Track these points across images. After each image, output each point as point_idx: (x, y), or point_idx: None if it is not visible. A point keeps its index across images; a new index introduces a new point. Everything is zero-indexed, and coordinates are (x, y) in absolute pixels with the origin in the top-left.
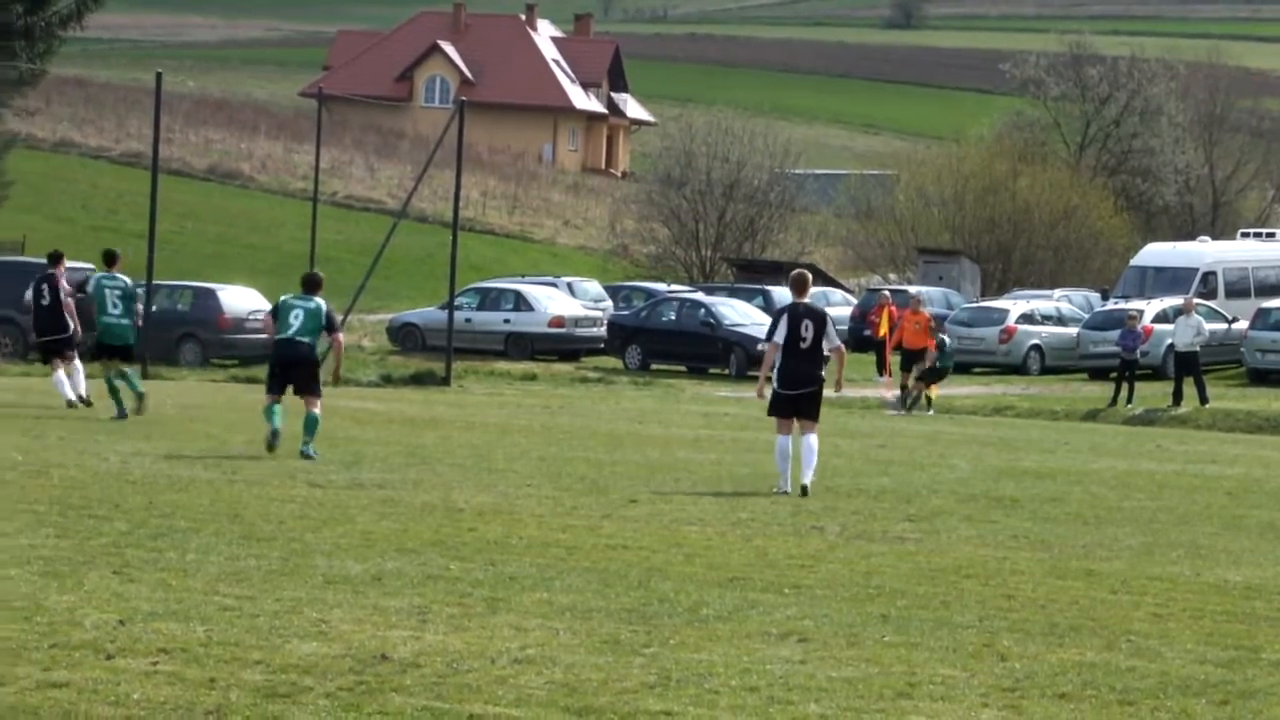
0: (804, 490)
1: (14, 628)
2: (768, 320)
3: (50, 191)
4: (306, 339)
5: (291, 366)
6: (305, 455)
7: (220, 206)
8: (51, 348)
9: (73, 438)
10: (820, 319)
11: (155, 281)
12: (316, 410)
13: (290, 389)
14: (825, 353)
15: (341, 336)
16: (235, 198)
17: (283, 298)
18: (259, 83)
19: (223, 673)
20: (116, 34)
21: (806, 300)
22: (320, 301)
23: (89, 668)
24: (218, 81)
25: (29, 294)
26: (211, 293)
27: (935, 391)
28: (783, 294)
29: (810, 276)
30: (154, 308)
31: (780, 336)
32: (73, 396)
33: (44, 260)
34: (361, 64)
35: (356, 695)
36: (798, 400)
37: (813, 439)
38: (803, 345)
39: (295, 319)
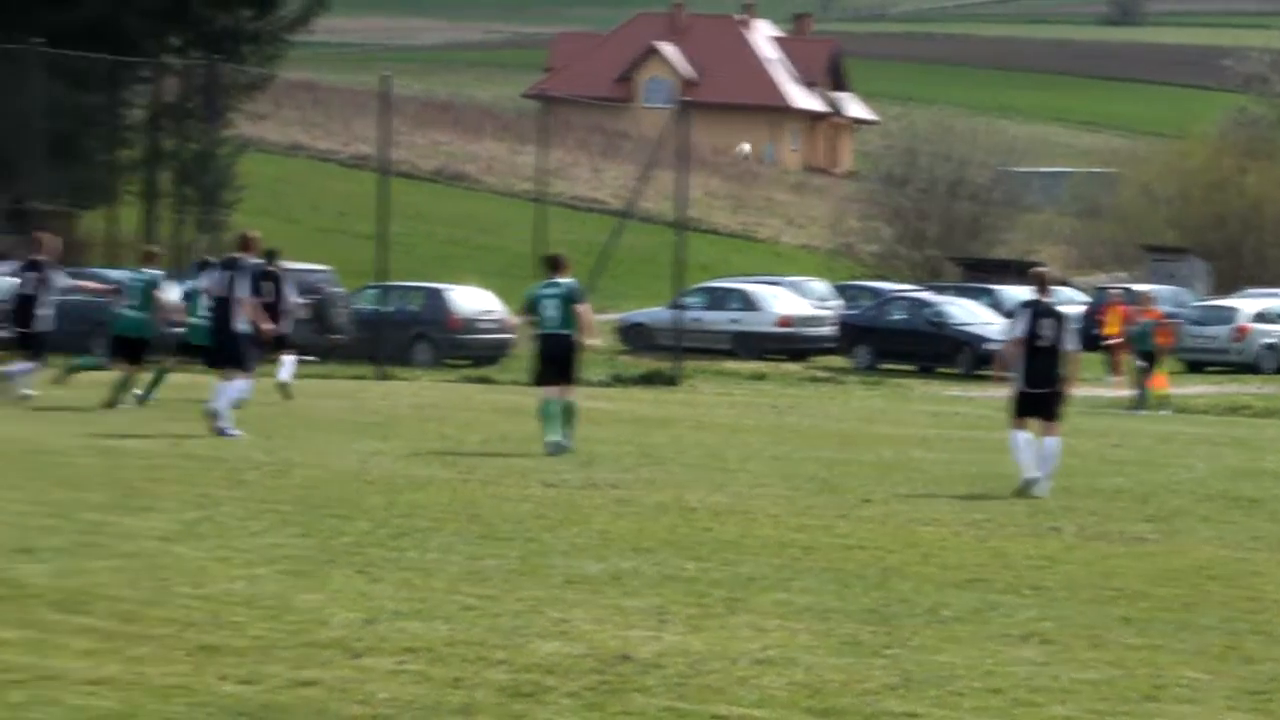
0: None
1: (264, 626)
2: (996, 319)
3: (281, 194)
4: (567, 331)
5: (555, 359)
6: (561, 447)
7: (447, 208)
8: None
9: (307, 437)
10: (1060, 318)
11: (387, 283)
12: (573, 398)
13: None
14: (1065, 352)
15: (585, 307)
16: (462, 199)
17: (532, 290)
18: (482, 85)
19: (468, 672)
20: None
21: (1047, 299)
22: (566, 282)
23: (337, 666)
24: (442, 84)
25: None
26: (441, 293)
27: (1165, 388)
28: (1010, 293)
29: (1050, 274)
30: (390, 309)
31: (1020, 333)
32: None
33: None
34: (582, 65)
35: (599, 695)
36: (1039, 399)
37: (1054, 441)
38: (1041, 344)
39: (552, 311)
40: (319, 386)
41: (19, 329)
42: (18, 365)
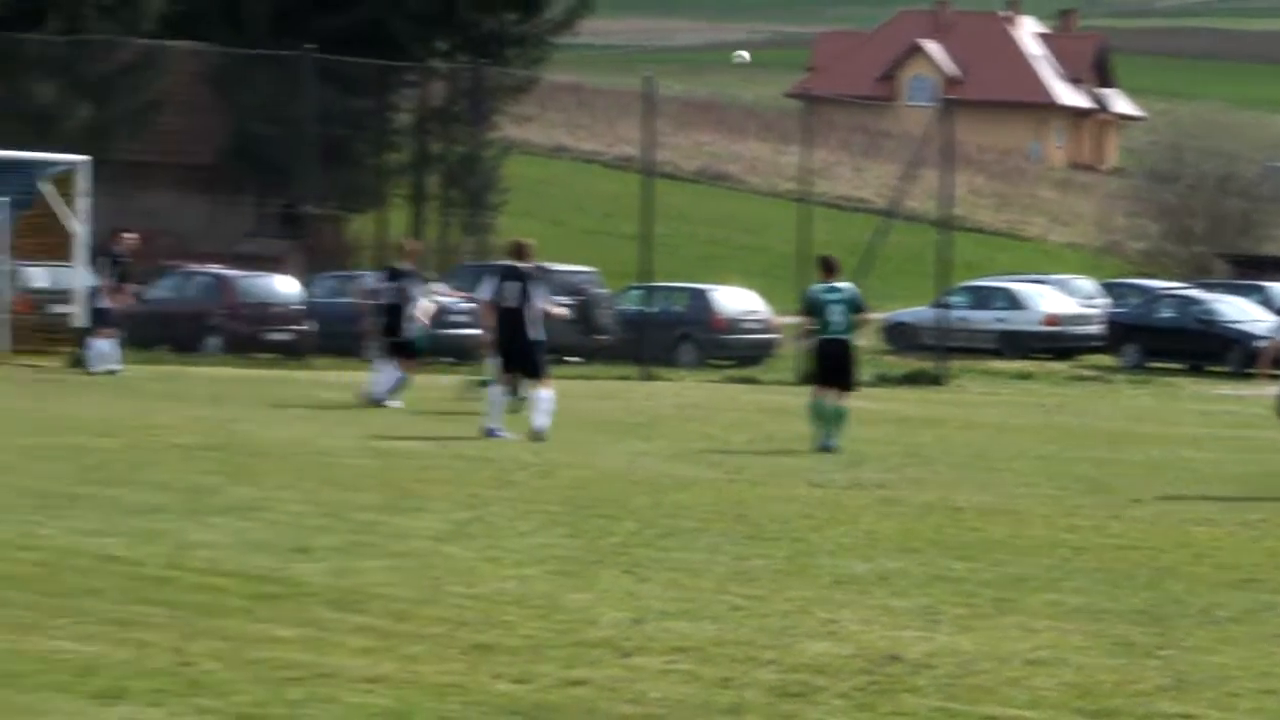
0: None
1: (534, 626)
2: (1266, 317)
3: (546, 196)
4: (848, 335)
5: (835, 363)
6: (827, 449)
7: (710, 208)
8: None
9: (574, 438)
10: None
11: (651, 283)
12: (845, 404)
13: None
14: None
15: (867, 313)
16: (724, 199)
17: (814, 292)
18: (744, 85)
19: (736, 671)
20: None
21: None
22: (847, 286)
23: (607, 666)
24: (704, 84)
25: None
26: (705, 294)
27: None
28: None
29: None
30: (654, 310)
31: None
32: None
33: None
34: (844, 64)
35: (869, 695)
36: None
37: None
38: None
39: (838, 315)
40: (584, 387)
41: (388, 338)
42: (384, 375)
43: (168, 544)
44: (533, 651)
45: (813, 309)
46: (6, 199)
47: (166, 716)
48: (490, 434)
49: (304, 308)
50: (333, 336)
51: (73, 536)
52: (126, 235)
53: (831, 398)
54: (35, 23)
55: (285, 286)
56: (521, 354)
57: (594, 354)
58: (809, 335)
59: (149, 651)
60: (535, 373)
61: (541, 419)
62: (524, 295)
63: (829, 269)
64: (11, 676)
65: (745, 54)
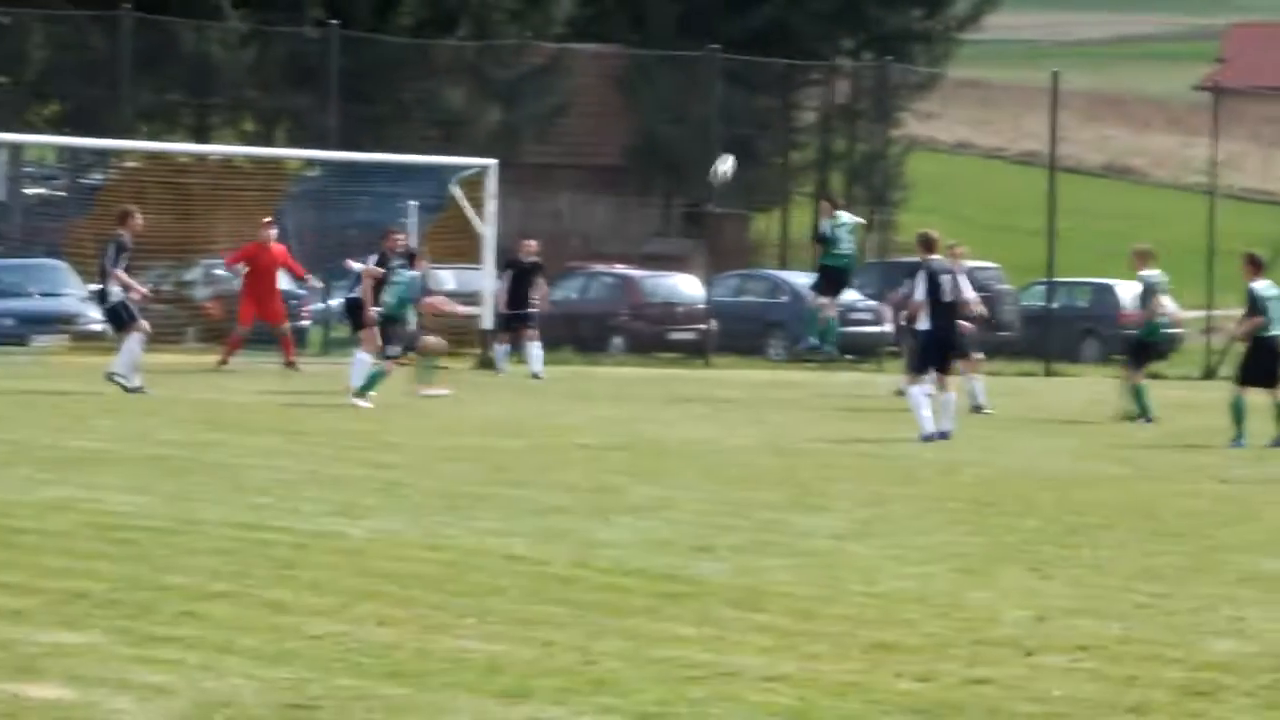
0: None
1: (936, 624)
2: None
3: (949, 193)
4: None
5: (1269, 360)
6: (1239, 446)
7: (1114, 202)
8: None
9: (977, 435)
10: None
11: (1054, 279)
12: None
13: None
14: None
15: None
16: (1129, 193)
17: (1261, 290)
18: (1151, 77)
19: (1142, 670)
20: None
21: None
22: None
23: (1009, 664)
24: (1109, 78)
25: None
26: (1110, 289)
27: None
28: None
29: None
30: (1054, 304)
31: None
32: None
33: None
34: (1256, 55)
35: (1277, 694)
36: None
37: None
38: None
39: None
40: (987, 384)
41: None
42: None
43: (572, 543)
44: (934, 650)
45: (1257, 307)
46: (416, 203)
47: (570, 715)
48: (929, 438)
49: (707, 307)
50: (734, 335)
51: (479, 536)
52: (527, 243)
53: (1254, 395)
54: (446, 29)
55: (689, 286)
56: (952, 349)
57: (997, 350)
58: (1249, 333)
59: (553, 650)
60: (948, 369)
61: (948, 423)
62: (956, 288)
63: (1257, 266)
64: (419, 675)
65: (727, 166)
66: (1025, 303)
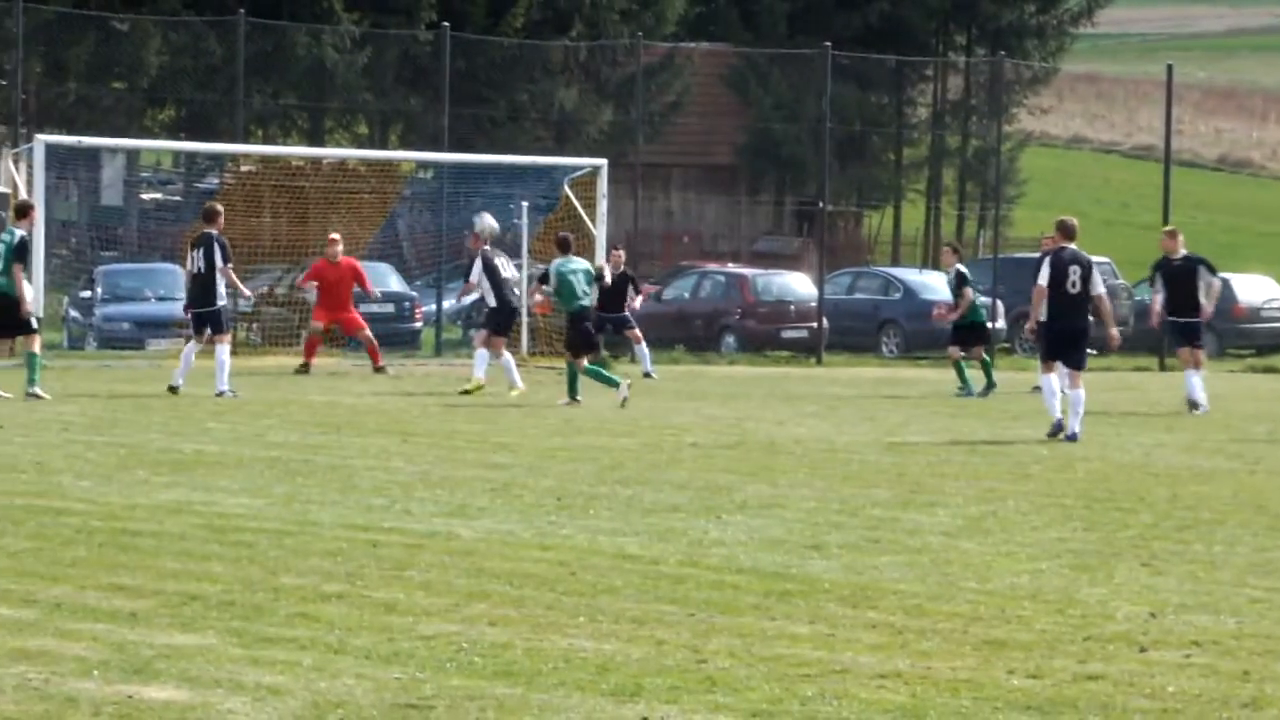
0: None
1: (1048, 620)
2: None
3: (1063, 187)
4: None
5: None
6: None
7: (1229, 196)
8: None
9: (1092, 429)
10: None
11: None
12: None
13: None
14: None
15: None
16: (1244, 187)
17: None
18: (1267, 70)
19: (1256, 665)
20: (1124, 28)
21: None
22: None
23: (1123, 660)
24: (1224, 70)
25: None
26: (1225, 283)
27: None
28: None
29: None
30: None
31: None
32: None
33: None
34: None
35: None
36: None
37: None
38: None
39: None
40: (1100, 379)
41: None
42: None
43: (683, 542)
44: (1047, 646)
45: None
46: (526, 203)
47: (681, 713)
48: (1059, 433)
49: (819, 305)
50: (846, 333)
51: (591, 536)
52: (616, 253)
53: None
54: (558, 30)
55: (801, 284)
56: (1075, 342)
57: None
58: None
59: (665, 649)
60: (1079, 364)
61: (1077, 422)
62: (1085, 280)
63: None
64: (531, 674)
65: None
66: (1139, 297)
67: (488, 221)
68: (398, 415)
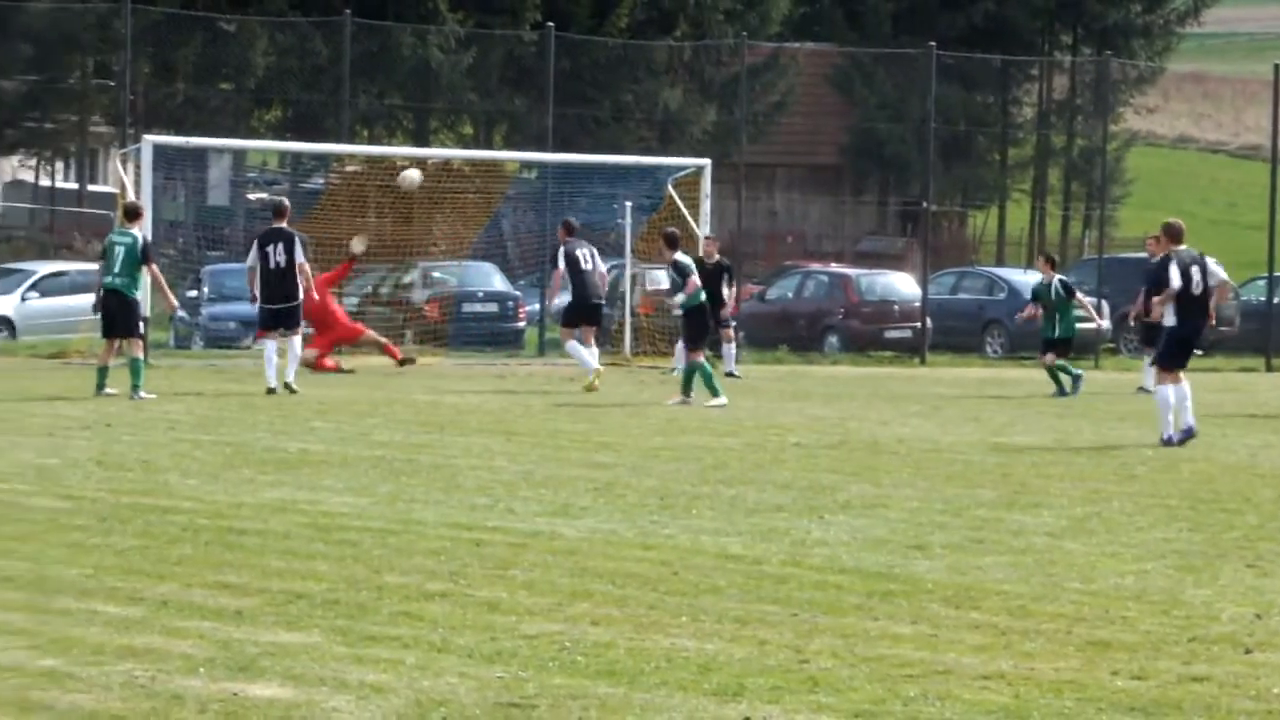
0: None
1: (1153, 621)
2: None
3: (1169, 187)
4: None
5: None
6: None
7: None
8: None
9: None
10: None
11: (1276, 273)
12: None
13: None
14: None
15: None
16: None
17: None
18: None
19: None
20: (1232, 27)
21: None
22: None
23: (1228, 661)
24: None
25: None
26: None
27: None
28: None
29: None
30: (1276, 299)
31: None
32: None
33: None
34: None
35: None
36: None
37: None
38: None
39: None
40: (1206, 379)
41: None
42: None
43: (786, 542)
44: (1151, 648)
45: None
46: (630, 203)
47: (784, 714)
48: (1168, 442)
49: (922, 305)
50: (951, 333)
51: (693, 535)
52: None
53: None
54: (663, 30)
55: (905, 284)
56: (1197, 344)
57: (1215, 345)
58: None
59: (767, 649)
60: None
61: (1188, 417)
62: (1205, 279)
63: None
64: (634, 674)
65: (414, 174)
66: (1245, 298)
67: (410, 176)
68: (501, 415)
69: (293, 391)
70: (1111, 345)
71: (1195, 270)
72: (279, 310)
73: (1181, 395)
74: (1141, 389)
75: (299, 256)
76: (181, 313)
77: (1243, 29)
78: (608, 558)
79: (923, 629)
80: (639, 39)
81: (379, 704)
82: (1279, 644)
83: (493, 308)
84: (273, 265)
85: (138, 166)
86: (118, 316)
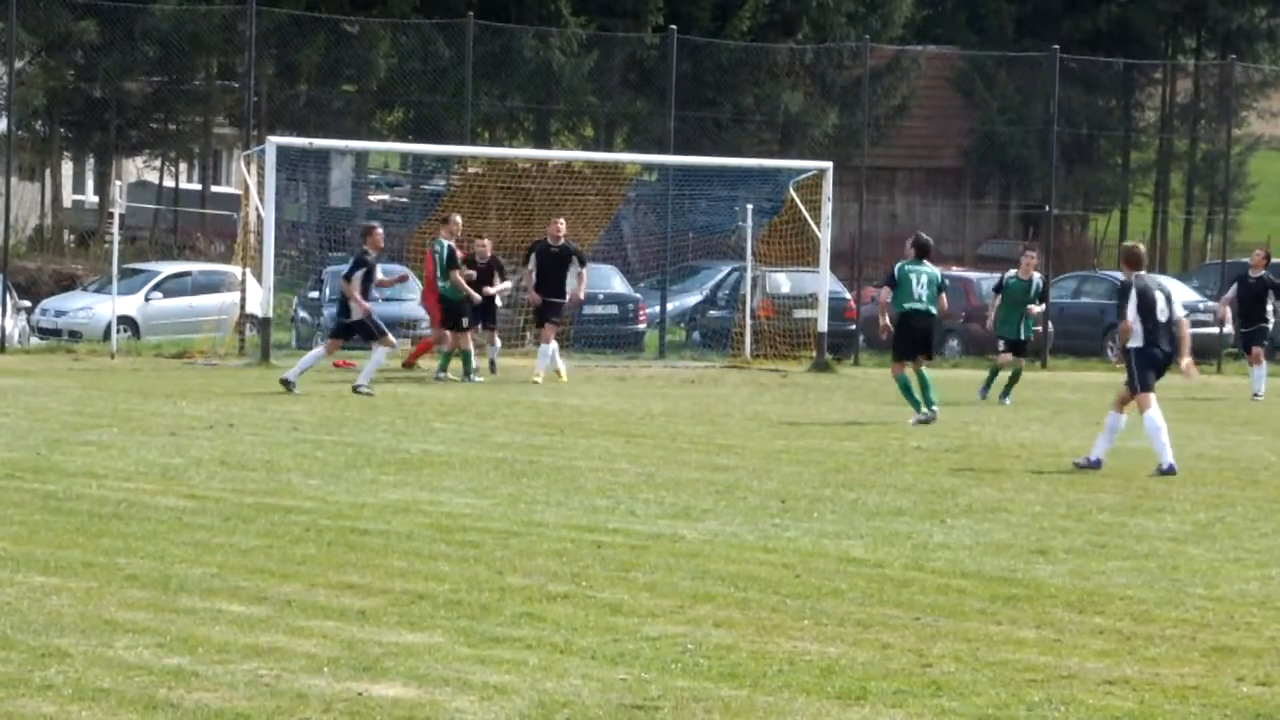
0: None
1: (1278, 627)
2: None
3: None
4: None
5: None
6: None
7: None
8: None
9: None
10: None
11: None
12: None
13: None
14: None
15: None
16: None
17: None
18: None
19: None
20: None
21: None
22: None
23: None
24: None
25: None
26: None
27: None
28: None
29: None
30: None
31: None
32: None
33: None
34: None
35: None
36: None
37: None
38: None
39: None
40: None
41: None
42: None
43: (908, 546)
44: (1277, 653)
45: None
46: (750, 206)
47: (907, 717)
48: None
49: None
50: (1072, 337)
51: (815, 538)
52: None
53: None
54: (785, 32)
55: None
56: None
57: None
58: None
59: (890, 653)
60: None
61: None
62: (1170, 306)
63: None
64: (756, 676)
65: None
66: None
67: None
68: (622, 417)
69: (358, 393)
70: (1234, 350)
71: (1159, 295)
72: (348, 323)
73: (1114, 426)
74: (1256, 396)
75: (343, 274)
76: (303, 313)
77: None
78: (729, 560)
79: (1046, 634)
80: (760, 41)
81: (502, 705)
82: None
83: (613, 310)
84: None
85: (261, 168)
86: (446, 315)
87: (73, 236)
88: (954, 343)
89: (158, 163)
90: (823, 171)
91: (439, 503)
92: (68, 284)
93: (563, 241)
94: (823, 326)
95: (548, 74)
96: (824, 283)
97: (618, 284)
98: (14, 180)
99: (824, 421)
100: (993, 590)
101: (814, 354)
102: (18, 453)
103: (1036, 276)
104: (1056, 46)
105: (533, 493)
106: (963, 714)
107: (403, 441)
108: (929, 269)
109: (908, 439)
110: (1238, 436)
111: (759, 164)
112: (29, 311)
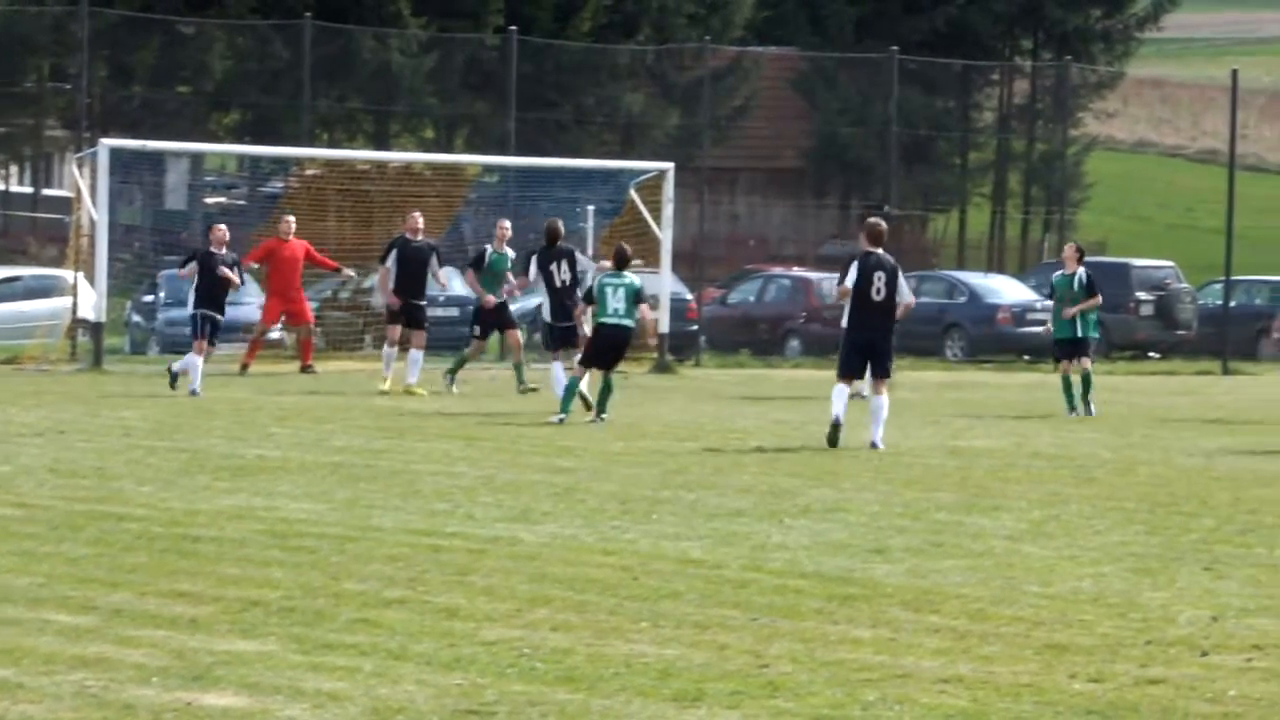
0: None
1: (1110, 624)
2: None
3: (1128, 191)
4: None
5: None
6: None
7: None
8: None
9: (1152, 433)
10: None
11: (1233, 278)
12: None
13: None
14: None
15: None
16: None
17: None
18: None
19: None
20: (1190, 32)
21: None
22: None
23: (1184, 664)
24: None
25: None
26: None
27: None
28: None
29: None
30: (1232, 303)
31: None
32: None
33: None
34: None
35: None
36: None
37: None
38: None
39: None
40: (1163, 383)
41: None
42: None
43: (746, 547)
44: (1109, 650)
45: None
46: (592, 207)
47: (744, 718)
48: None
49: None
50: (912, 337)
51: (654, 540)
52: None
53: None
54: (627, 33)
55: None
56: (877, 352)
57: (1173, 349)
58: None
59: (727, 654)
60: (887, 373)
61: (878, 430)
62: (891, 286)
63: None
64: (593, 680)
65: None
66: (1203, 301)
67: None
68: (462, 420)
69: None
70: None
71: (879, 276)
72: (568, 329)
73: (877, 406)
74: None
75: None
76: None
77: (1201, 34)
78: (568, 563)
79: (882, 633)
80: (601, 43)
81: (335, 712)
82: (1235, 646)
83: (454, 312)
84: (558, 284)
85: (94, 170)
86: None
87: None
88: (794, 343)
89: None
90: (664, 172)
91: (274, 508)
92: None
93: (421, 237)
94: (664, 328)
95: (387, 75)
96: (665, 284)
97: (459, 286)
98: None
99: (664, 422)
100: (830, 590)
101: (655, 355)
102: None
103: (1080, 270)
104: (895, 48)
105: (370, 497)
106: (799, 714)
107: (238, 447)
108: (628, 280)
109: (747, 439)
110: (1074, 434)
111: (600, 165)
112: None
